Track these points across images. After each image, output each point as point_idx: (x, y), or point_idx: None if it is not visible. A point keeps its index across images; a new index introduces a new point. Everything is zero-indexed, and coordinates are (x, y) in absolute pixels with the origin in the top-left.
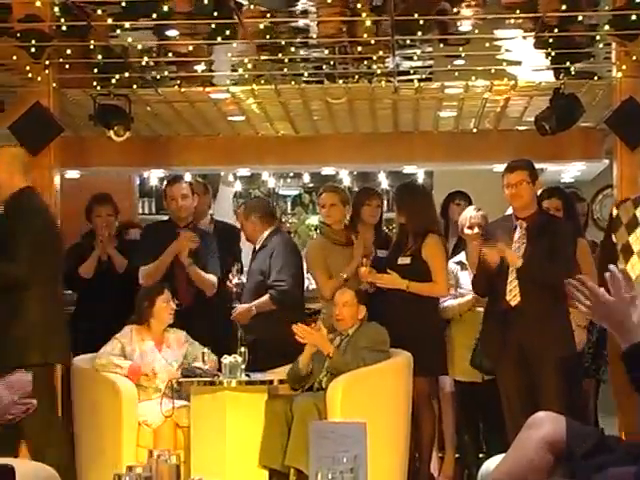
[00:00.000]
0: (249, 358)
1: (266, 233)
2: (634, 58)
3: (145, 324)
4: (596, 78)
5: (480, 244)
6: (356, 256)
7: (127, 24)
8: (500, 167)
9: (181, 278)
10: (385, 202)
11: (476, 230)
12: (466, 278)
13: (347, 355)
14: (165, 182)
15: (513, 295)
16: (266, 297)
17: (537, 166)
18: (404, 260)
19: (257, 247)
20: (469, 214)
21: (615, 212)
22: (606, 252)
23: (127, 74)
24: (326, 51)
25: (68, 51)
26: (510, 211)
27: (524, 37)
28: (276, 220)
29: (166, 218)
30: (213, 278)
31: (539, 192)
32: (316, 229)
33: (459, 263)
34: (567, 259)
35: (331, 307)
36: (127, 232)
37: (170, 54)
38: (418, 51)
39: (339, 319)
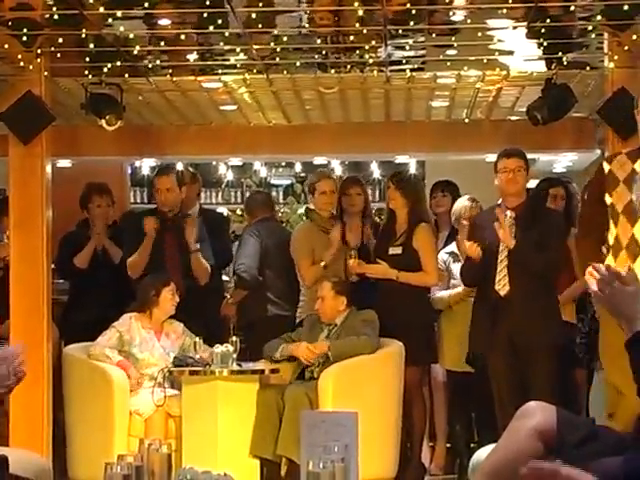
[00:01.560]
0: (245, 344)
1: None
2: (626, 48)
3: (147, 312)
4: (588, 68)
5: (466, 236)
6: (333, 241)
7: (119, 13)
8: (492, 157)
9: (173, 269)
10: (377, 192)
11: None
12: (458, 269)
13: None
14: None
15: (502, 285)
16: (233, 292)
17: (529, 156)
18: (395, 250)
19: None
20: (466, 205)
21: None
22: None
23: (119, 63)
24: (318, 40)
25: (60, 40)
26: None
27: (516, 27)
28: (266, 211)
29: (153, 207)
30: (207, 265)
31: (537, 181)
32: (306, 216)
33: (451, 254)
34: (556, 248)
35: (312, 293)
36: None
37: (162, 43)
38: (410, 41)
39: (321, 312)
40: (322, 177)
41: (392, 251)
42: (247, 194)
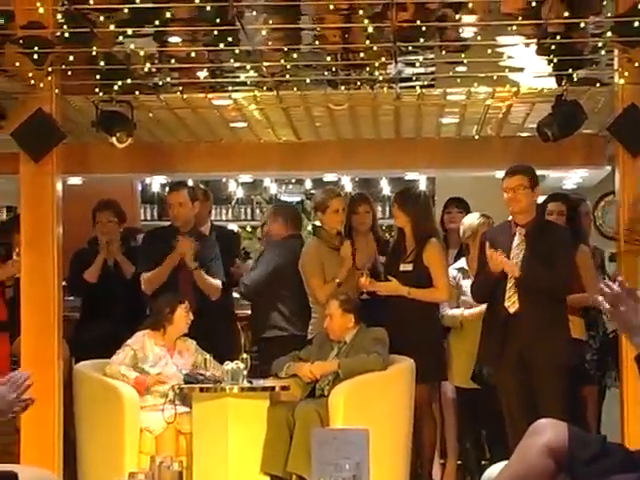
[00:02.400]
0: (257, 361)
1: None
2: (636, 65)
3: (161, 330)
4: (598, 85)
5: (486, 248)
6: (345, 259)
7: (130, 31)
8: (502, 173)
9: (186, 283)
10: (387, 209)
11: None
12: (469, 285)
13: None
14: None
15: (512, 302)
16: None
17: (539, 173)
18: (406, 267)
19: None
20: (476, 221)
21: None
22: None
23: (129, 80)
24: (328, 57)
25: (71, 58)
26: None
27: (526, 44)
28: (297, 228)
29: (167, 224)
30: (217, 282)
31: (544, 198)
32: (313, 234)
33: (460, 270)
34: (565, 265)
35: (324, 311)
36: (134, 238)
37: (172, 60)
38: (420, 57)
39: (330, 330)
40: (334, 195)
41: (403, 268)
42: (257, 211)
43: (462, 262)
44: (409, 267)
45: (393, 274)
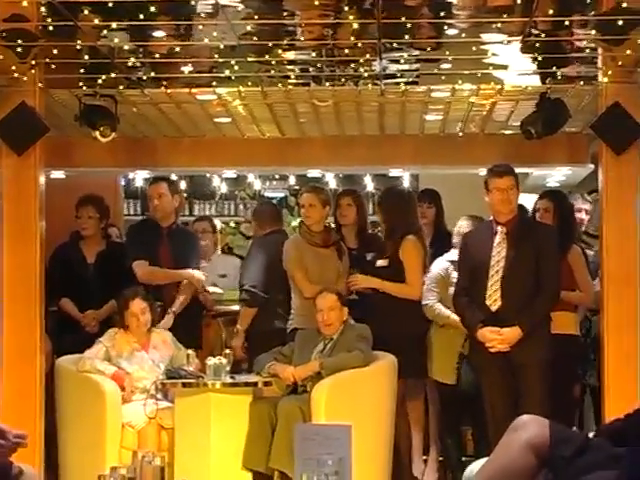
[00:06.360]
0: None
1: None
2: (620, 63)
3: (127, 327)
4: (582, 83)
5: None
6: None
7: (114, 24)
8: (485, 171)
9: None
10: (370, 205)
11: None
12: None
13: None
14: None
15: (493, 300)
16: (241, 310)
17: (522, 170)
18: (382, 262)
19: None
20: (464, 223)
21: None
22: None
23: (113, 75)
24: (313, 53)
25: (54, 51)
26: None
27: (510, 41)
28: (276, 223)
29: (146, 218)
30: (198, 274)
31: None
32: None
33: (452, 262)
34: (552, 262)
35: (305, 307)
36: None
37: (157, 55)
38: (405, 54)
39: (328, 324)
40: (304, 191)
41: (379, 263)
42: (241, 206)
43: (453, 254)
44: (385, 263)
45: (370, 269)
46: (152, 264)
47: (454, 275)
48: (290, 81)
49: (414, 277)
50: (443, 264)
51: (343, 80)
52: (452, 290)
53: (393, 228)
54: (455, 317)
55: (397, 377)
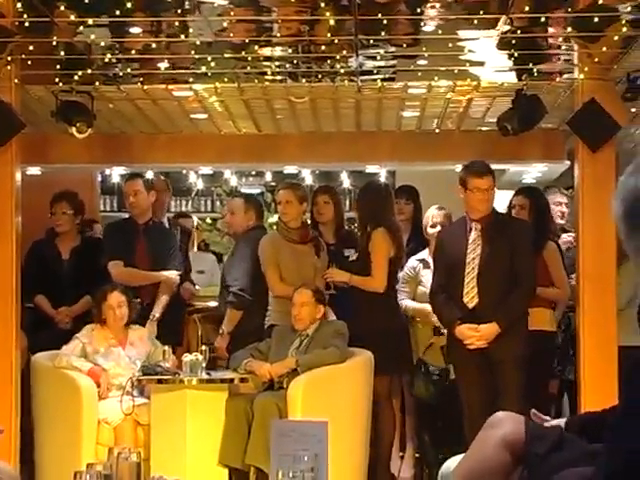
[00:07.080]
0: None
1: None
2: (596, 60)
3: (103, 323)
4: (558, 80)
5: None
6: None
7: (90, 21)
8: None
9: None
10: (347, 201)
11: (439, 228)
12: (428, 276)
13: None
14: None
15: (470, 297)
16: (227, 312)
17: (499, 167)
18: (352, 255)
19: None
20: (432, 213)
21: None
22: None
23: (90, 71)
24: (289, 50)
25: (30, 47)
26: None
27: (486, 38)
28: (259, 218)
29: (127, 216)
30: (173, 275)
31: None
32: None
33: (422, 261)
34: (529, 257)
35: (281, 304)
36: (91, 228)
37: (133, 51)
38: (381, 51)
39: (299, 319)
40: (280, 187)
41: (351, 257)
42: (217, 203)
43: (424, 253)
44: (354, 256)
45: (341, 262)
46: (129, 261)
47: (422, 273)
48: (267, 77)
49: (378, 270)
50: (412, 263)
51: (320, 77)
52: (421, 288)
53: (366, 222)
54: (427, 307)
55: (380, 373)
